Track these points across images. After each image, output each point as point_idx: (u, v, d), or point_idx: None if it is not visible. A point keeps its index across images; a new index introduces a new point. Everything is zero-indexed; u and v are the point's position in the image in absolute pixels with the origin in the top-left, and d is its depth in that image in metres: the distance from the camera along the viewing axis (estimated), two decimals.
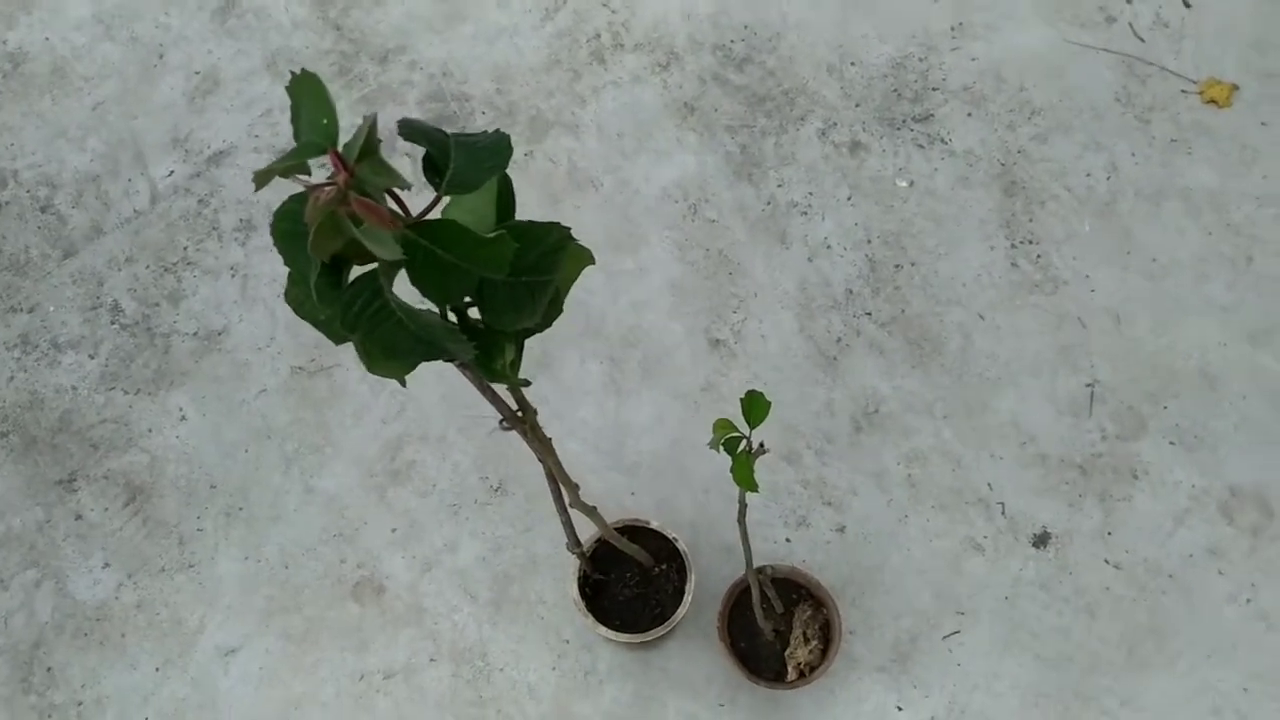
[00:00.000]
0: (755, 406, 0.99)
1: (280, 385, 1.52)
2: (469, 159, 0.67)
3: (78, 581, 1.43)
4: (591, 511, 1.11)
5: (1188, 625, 1.36)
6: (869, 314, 1.53)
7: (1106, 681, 1.34)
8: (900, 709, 1.34)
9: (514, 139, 0.70)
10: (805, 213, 1.59)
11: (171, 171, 1.66)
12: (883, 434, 1.47)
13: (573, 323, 1.53)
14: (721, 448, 0.99)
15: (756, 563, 1.19)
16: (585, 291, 1.55)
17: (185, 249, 1.60)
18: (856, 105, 1.65)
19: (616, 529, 1.25)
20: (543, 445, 0.93)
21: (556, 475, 1.00)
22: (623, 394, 1.50)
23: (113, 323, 1.56)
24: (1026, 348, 1.50)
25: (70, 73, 1.74)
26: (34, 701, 1.38)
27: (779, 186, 1.61)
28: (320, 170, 0.59)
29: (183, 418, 1.51)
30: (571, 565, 1.29)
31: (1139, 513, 1.41)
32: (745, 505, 1.08)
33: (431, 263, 0.63)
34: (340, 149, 0.59)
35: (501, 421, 0.89)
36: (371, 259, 0.66)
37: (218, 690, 1.38)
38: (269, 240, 1.58)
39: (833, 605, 1.30)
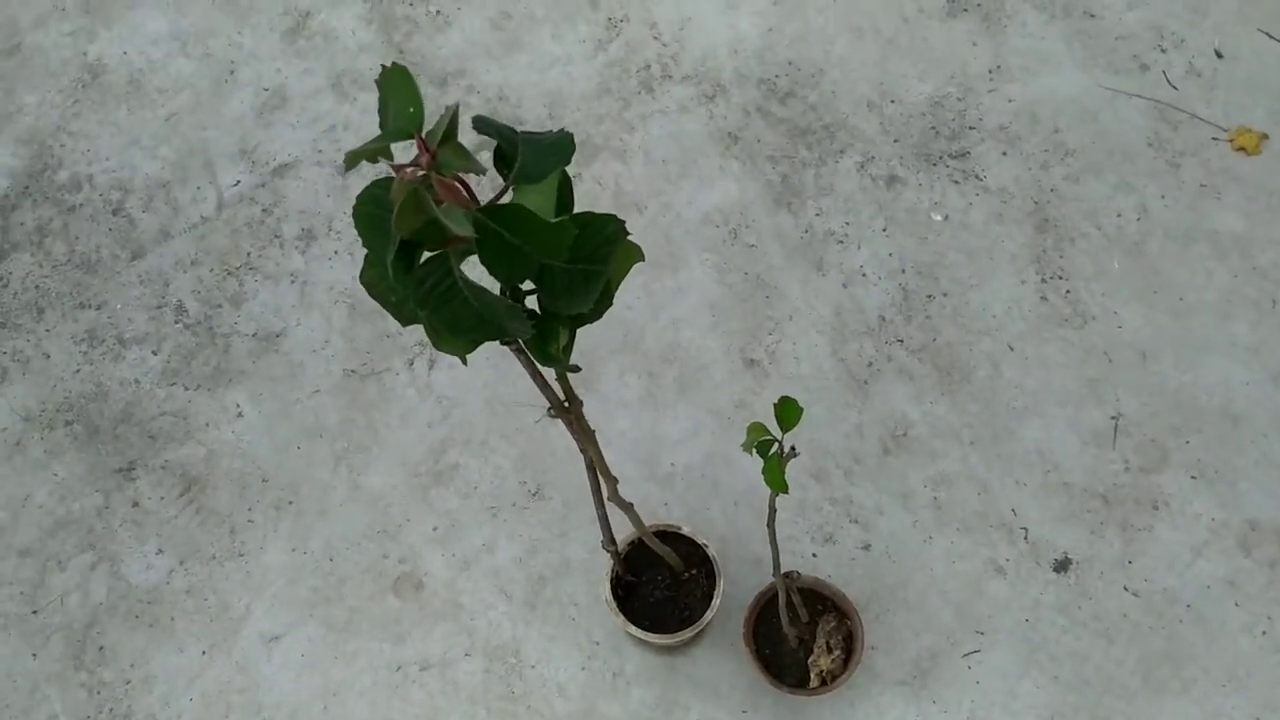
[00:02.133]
0: (788, 411, 1.05)
1: (333, 387, 1.59)
2: (535, 153, 0.73)
3: (132, 565, 1.50)
4: (628, 508, 1.16)
5: (1204, 654, 1.39)
6: (901, 341, 1.58)
7: (1122, 705, 1.37)
8: None
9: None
10: (842, 241, 1.65)
11: (238, 181, 1.74)
12: (910, 457, 1.51)
13: (613, 337, 1.59)
14: (754, 450, 1.05)
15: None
16: (625, 308, 1.61)
17: (248, 255, 1.68)
18: (895, 141, 1.71)
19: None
20: (585, 436, 0.99)
21: (597, 467, 1.05)
22: (659, 408, 1.56)
23: (176, 321, 1.64)
24: (1053, 379, 1.54)
25: (146, 85, 1.83)
26: (84, 678, 1.44)
27: (817, 215, 1.67)
28: (404, 157, 0.65)
29: (239, 414, 1.58)
30: (605, 565, 1.34)
31: (1159, 543, 1.45)
32: (775, 510, 1.13)
33: (499, 244, 0.70)
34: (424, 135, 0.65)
35: (549, 409, 0.95)
36: (442, 244, 0.72)
37: (260, 675, 1.43)
38: (328, 249, 1.67)
39: (856, 617, 1.34)
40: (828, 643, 1.34)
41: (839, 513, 1.49)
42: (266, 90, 1.82)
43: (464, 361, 0.82)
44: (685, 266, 1.65)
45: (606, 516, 1.19)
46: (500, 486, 1.52)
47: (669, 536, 1.37)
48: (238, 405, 1.58)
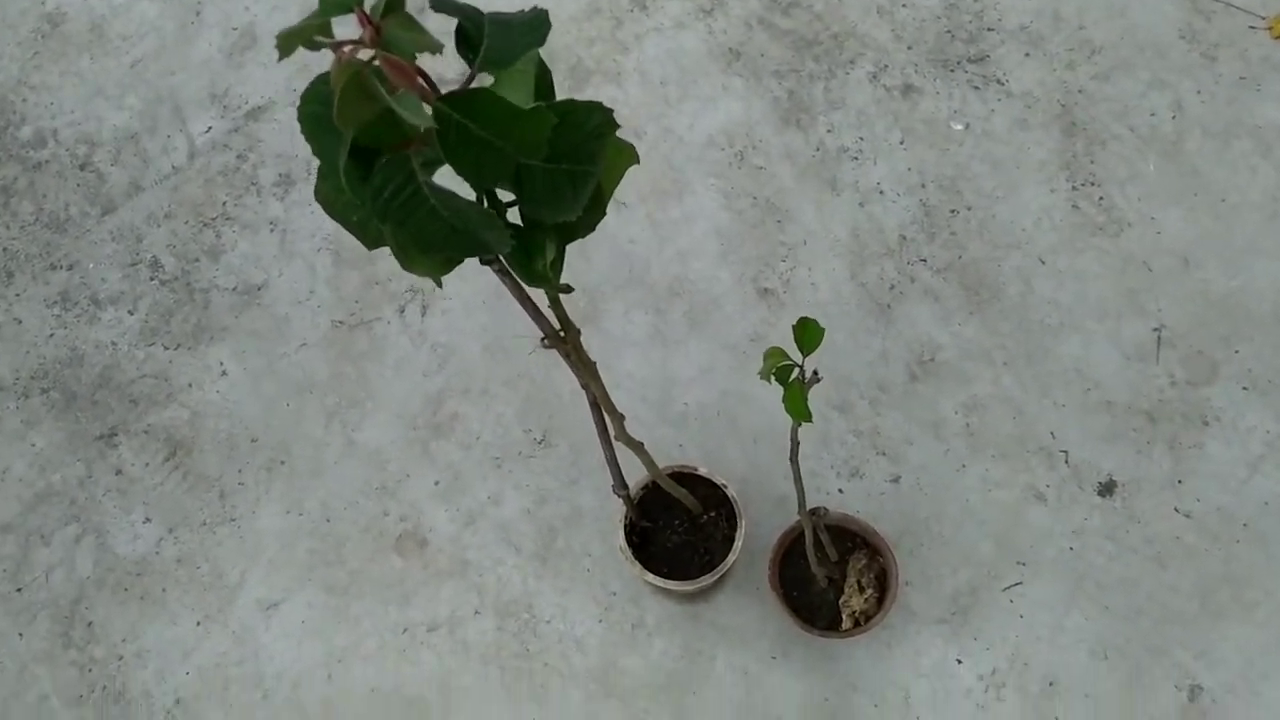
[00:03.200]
0: (808, 334, 0.95)
1: (320, 339, 1.50)
2: (504, 34, 0.63)
3: (118, 536, 1.42)
4: (638, 447, 1.07)
5: (1265, 574, 1.29)
6: (924, 260, 1.48)
7: (1179, 633, 1.28)
8: (960, 662, 1.29)
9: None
10: (856, 158, 1.54)
11: (210, 128, 1.64)
12: (939, 382, 1.42)
13: (617, 273, 1.50)
14: (773, 378, 0.95)
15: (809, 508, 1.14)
16: (629, 241, 1.51)
17: (224, 204, 1.58)
18: (908, 48, 1.60)
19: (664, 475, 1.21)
20: (585, 368, 0.89)
21: (601, 403, 0.96)
22: (669, 345, 1.46)
23: (152, 278, 1.55)
24: (1090, 292, 1.44)
25: (108, 31, 1.73)
26: (74, 656, 1.36)
27: (828, 132, 1.56)
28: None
29: (223, 372, 1.49)
30: (617, 511, 1.25)
31: (1211, 460, 1.35)
32: (797, 443, 1.04)
33: (465, 139, 0.60)
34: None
35: (543, 339, 0.85)
36: (401, 145, 0.62)
37: (259, 644, 1.35)
38: (308, 194, 1.56)
39: (889, 553, 1.25)
40: (859, 582, 1.25)
41: (865, 445, 1.39)
42: (235, 30, 1.71)
43: (438, 284, 0.72)
44: (690, 194, 1.54)
45: (615, 458, 1.10)
46: (504, 435, 1.43)
47: (685, 478, 1.28)
48: (221, 363, 1.49)
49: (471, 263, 0.71)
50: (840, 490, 1.37)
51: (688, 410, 1.43)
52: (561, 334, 0.86)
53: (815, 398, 1.40)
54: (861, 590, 1.24)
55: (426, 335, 1.49)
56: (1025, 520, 1.34)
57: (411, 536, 1.39)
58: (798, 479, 1.08)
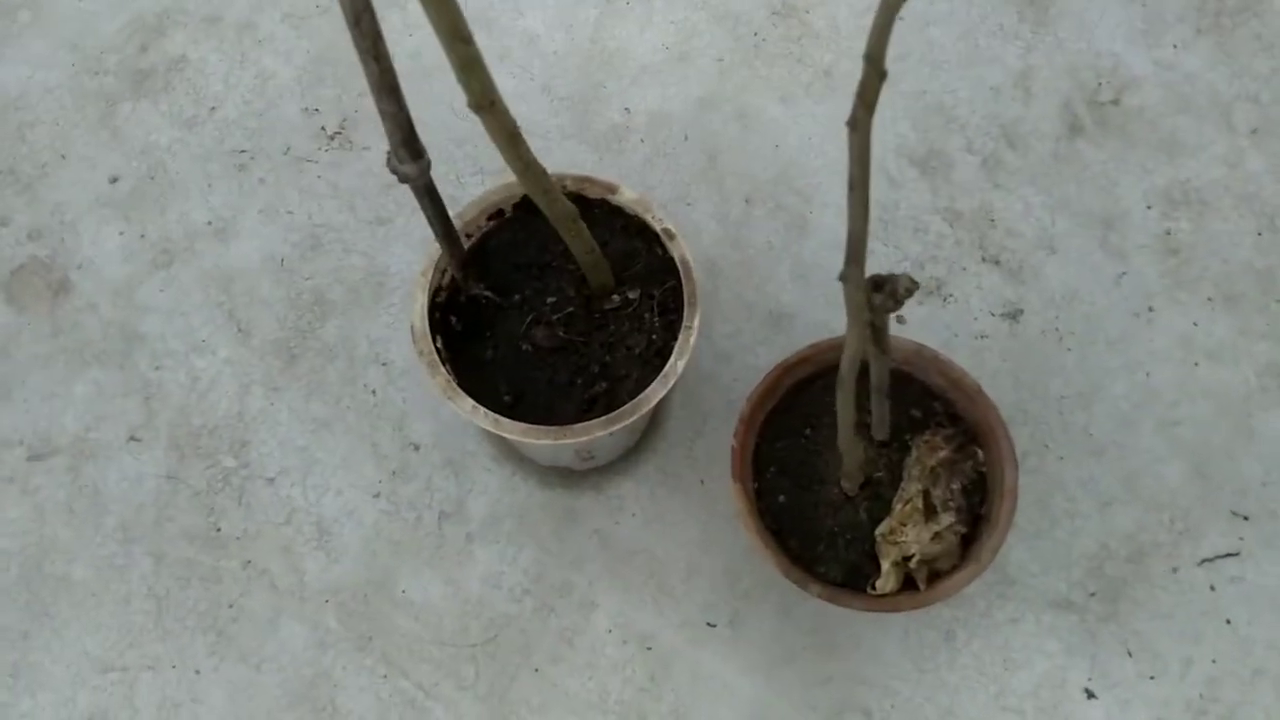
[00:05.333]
0: None
1: None
2: None
3: None
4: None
5: None
6: None
7: None
8: (1092, 695, 0.61)
9: None
10: None
11: None
12: (1124, 143, 0.74)
13: None
14: None
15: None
16: None
17: None
18: None
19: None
20: None
21: None
22: None
23: None
24: None
25: None
26: None
27: None
28: None
29: None
30: (429, 253, 0.56)
31: None
32: (882, 70, 0.35)
33: None
34: None
35: None
36: None
37: None
38: None
39: (1007, 447, 0.56)
40: (928, 493, 0.56)
41: (965, 239, 0.71)
42: None
43: None
44: None
45: (386, 64, 0.40)
46: (266, 112, 0.74)
47: (588, 205, 0.58)
48: None
49: None
50: (900, 319, 0.69)
51: (630, 122, 0.74)
52: None
53: (882, 141, 0.72)
54: (931, 512, 0.56)
55: None
56: (1259, 429, 0.66)
57: (44, 271, 0.70)
58: (862, 171, 0.38)
